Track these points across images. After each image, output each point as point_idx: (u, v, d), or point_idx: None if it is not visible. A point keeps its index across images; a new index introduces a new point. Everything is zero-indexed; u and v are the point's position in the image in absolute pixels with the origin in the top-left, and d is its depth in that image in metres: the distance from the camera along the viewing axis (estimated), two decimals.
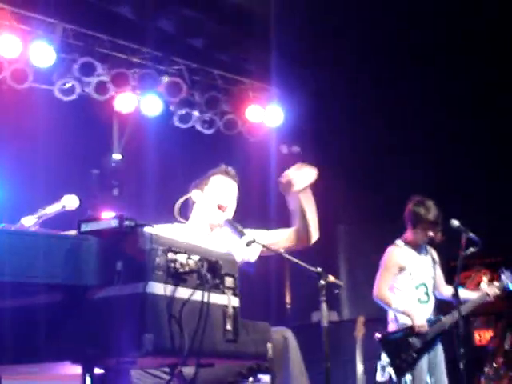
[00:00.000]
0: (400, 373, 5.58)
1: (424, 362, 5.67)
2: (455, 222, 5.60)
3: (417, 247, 5.91)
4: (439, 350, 5.80)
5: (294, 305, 8.09)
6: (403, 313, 5.74)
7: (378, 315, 7.10)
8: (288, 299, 8.31)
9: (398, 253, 5.89)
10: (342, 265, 8.43)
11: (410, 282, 5.84)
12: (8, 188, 6.74)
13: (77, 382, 2.74)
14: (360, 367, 6.24)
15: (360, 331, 6.29)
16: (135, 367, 2.99)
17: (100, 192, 7.56)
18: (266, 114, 8.25)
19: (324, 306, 3.71)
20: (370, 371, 6.07)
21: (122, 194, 7.79)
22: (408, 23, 7.30)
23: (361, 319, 6.34)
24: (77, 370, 2.57)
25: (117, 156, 7.84)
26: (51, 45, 6.90)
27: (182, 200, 3.99)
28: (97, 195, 7.43)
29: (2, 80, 6.90)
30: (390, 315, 5.91)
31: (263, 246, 3.72)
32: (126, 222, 2.43)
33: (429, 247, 5.99)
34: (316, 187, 8.22)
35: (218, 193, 3.97)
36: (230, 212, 3.95)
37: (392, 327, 5.87)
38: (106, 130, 7.74)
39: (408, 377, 5.57)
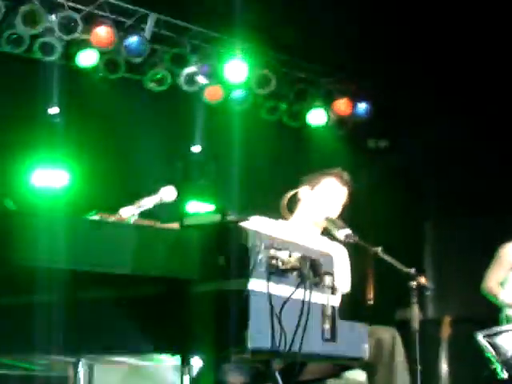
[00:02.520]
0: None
1: None
2: None
3: None
4: None
5: (378, 301, 7.98)
6: (510, 305, 5.61)
7: (464, 315, 6.95)
8: (371, 295, 8.21)
9: None
10: (429, 262, 8.28)
11: None
12: (98, 178, 6.86)
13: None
14: (444, 368, 6.12)
15: (446, 331, 6.17)
16: (232, 362, 2.98)
17: (185, 183, 7.62)
18: (354, 107, 8.18)
19: (415, 308, 3.65)
20: (455, 373, 5.96)
21: (208, 185, 7.84)
22: None
23: (447, 319, 6.21)
24: (175, 361, 2.59)
25: (197, 148, 7.87)
26: (144, 36, 6.98)
27: (289, 195, 3.93)
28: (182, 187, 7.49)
29: (95, 70, 7.03)
30: (502, 314, 5.75)
31: (359, 241, 3.67)
32: (229, 217, 2.42)
33: None
34: (402, 182, 8.13)
35: (327, 197, 3.90)
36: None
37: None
38: (194, 121, 7.78)
39: None
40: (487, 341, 5.46)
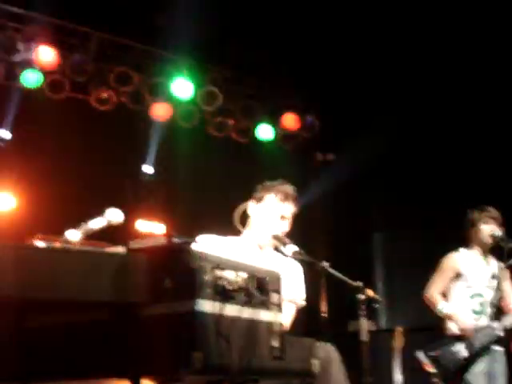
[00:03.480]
0: None
1: (478, 372, 5.52)
2: (497, 232, 5.53)
3: (480, 255, 5.80)
4: (498, 362, 5.61)
5: (331, 313, 8.03)
6: (446, 316, 5.65)
7: (416, 325, 7.02)
8: (324, 308, 8.25)
9: (457, 258, 5.80)
10: (380, 274, 8.36)
11: (465, 291, 5.73)
12: (45, 201, 6.78)
13: None
14: (398, 378, 6.17)
15: (398, 342, 6.22)
16: None
17: (134, 202, 7.56)
18: (302, 122, 8.23)
19: (363, 320, 3.69)
20: (409, 382, 6.01)
21: (157, 204, 7.80)
22: None
23: (399, 330, 6.27)
24: None
25: (148, 168, 7.84)
26: (88, 55, 6.94)
27: (240, 209, 3.92)
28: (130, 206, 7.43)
29: (40, 90, 6.96)
30: (445, 324, 5.79)
31: (306, 257, 3.69)
32: (175, 239, 2.42)
33: (494, 259, 5.86)
34: (352, 196, 8.21)
35: (270, 214, 3.87)
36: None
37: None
38: (142, 139, 7.75)
39: None
40: (428, 356, 5.54)
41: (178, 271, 2.39)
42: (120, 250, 2.57)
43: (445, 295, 5.79)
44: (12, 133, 6.93)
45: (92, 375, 2.54)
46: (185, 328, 2.35)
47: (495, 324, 5.54)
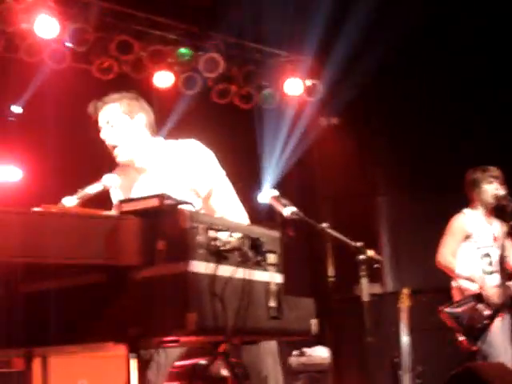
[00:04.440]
0: (474, 342, 5.48)
1: (497, 330, 5.56)
2: (501, 192, 5.52)
3: (483, 216, 5.80)
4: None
5: (337, 278, 8.05)
6: (468, 278, 5.68)
7: (422, 286, 7.04)
8: (331, 272, 8.26)
9: (464, 219, 5.81)
10: (385, 236, 8.36)
11: (475, 252, 5.75)
12: (48, 168, 6.80)
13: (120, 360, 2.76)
14: (405, 339, 6.20)
15: (405, 303, 6.24)
16: (178, 346, 2.99)
17: None
18: (304, 86, 8.18)
19: (364, 280, 3.70)
20: (416, 343, 6.03)
21: None
22: None
23: (405, 291, 6.28)
24: (120, 349, 2.58)
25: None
26: (87, 24, 6.90)
27: None
28: None
29: (41, 61, 6.94)
30: (454, 283, 5.82)
31: (304, 218, 3.69)
32: (167, 201, 2.41)
33: (498, 220, 5.86)
34: (355, 158, 8.19)
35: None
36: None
37: (456, 296, 5.78)
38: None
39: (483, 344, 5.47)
40: (449, 313, 5.55)
41: (170, 233, 2.39)
42: (113, 213, 2.57)
43: (454, 256, 5.80)
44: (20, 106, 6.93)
45: (88, 339, 2.56)
46: (178, 289, 2.35)
47: (510, 283, 5.61)
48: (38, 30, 6.72)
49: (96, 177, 3.65)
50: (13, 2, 6.56)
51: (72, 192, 3.55)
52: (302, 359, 7.16)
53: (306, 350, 7.12)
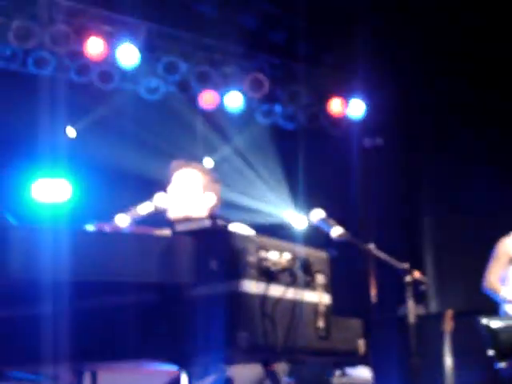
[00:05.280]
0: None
1: None
2: None
3: None
4: None
5: (380, 298, 8.04)
6: (511, 302, 5.64)
7: (466, 309, 6.99)
8: (373, 292, 8.26)
9: (509, 242, 5.78)
10: (429, 257, 8.32)
11: None
12: (96, 187, 6.92)
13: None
14: (449, 362, 6.15)
15: (448, 325, 6.20)
16: (229, 364, 3.03)
17: None
18: (348, 106, 8.21)
19: (410, 302, 3.70)
20: (460, 366, 5.99)
21: None
22: None
23: (449, 312, 6.25)
24: (172, 366, 2.64)
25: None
26: (136, 45, 7.04)
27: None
28: None
29: (89, 82, 7.09)
30: (500, 309, 5.79)
31: (351, 239, 3.71)
32: (218, 222, 2.47)
33: None
34: (400, 179, 8.17)
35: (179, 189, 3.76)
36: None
37: None
38: (190, 128, 7.82)
39: None
40: (490, 328, 5.50)
41: (222, 252, 2.44)
42: (166, 232, 2.64)
43: (502, 280, 5.78)
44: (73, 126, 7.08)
45: (139, 356, 2.62)
46: (230, 308, 2.40)
47: None
48: (88, 51, 6.88)
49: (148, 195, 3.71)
50: (63, 23, 6.72)
51: (123, 209, 3.62)
52: (344, 379, 7.14)
53: (348, 370, 7.11)
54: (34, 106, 6.70)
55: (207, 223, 2.49)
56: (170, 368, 2.75)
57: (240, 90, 7.71)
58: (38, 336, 2.66)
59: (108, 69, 7.12)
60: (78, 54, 6.94)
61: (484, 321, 5.52)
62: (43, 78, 6.84)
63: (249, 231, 3.81)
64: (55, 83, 6.90)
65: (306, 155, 7.76)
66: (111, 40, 7.02)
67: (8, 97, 6.75)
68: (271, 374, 2.78)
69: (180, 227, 2.54)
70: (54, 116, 6.90)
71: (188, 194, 3.71)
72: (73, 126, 7.12)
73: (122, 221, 3.38)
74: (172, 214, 3.64)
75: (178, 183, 3.73)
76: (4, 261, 2.35)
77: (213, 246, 2.47)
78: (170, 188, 3.73)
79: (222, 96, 7.71)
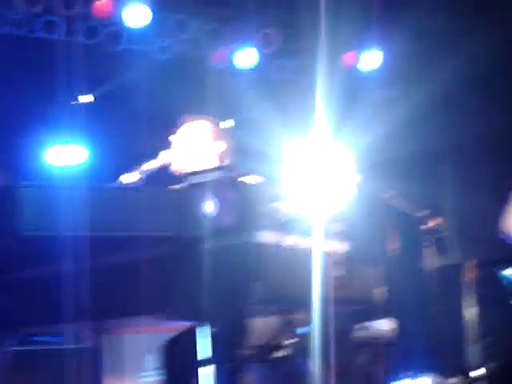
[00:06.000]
0: None
1: None
2: None
3: None
4: None
5: (401, 248, 7.98)
6: None
7: (489, 258, 6.94)
8: (393, 242, 8.20)
9: None
10: (450, 206, 8.25)
11: None
12: (103, 149, 6.93)
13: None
14: (471, 311, 6.13)
15: (469, 275, 6.16)
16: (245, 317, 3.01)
17: None
18: (362, 57, 8.10)
19: (428, 250, 3.66)
20: (482, 316, 5.97)
21: None
22: None
23: (471, 262, 6.20)
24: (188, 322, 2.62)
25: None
26: (145, 4, 6.95)
27: None
28: None
29: (98, 44, 7.03)
30: None
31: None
32: (231, 172, 2.45)
33: None
34: (418, 129, 8.06)
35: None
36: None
37: None
38: (202, 87, 7.74)
39: None
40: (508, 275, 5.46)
41: (234, 204, 2.41)
42: (177, 186, 2.61)
43: None
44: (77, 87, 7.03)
45: (157, 312, 2.61)
46: (245, 259, 2.37)
47: None
48: (95, 11, 6.81)
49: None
50: None
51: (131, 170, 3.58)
52: (366, 332, 7.11)
53: (369, 322, 7.08)
54: (46, 71, 6.66)
55: (219, 174, 2.45)
56: (187, 323, 2.74)
57: (252, 47, 7.62)
58: (57, 295, 2.66)
59: (117, 29, 7.04)
60: (86, 16, 6.86)
61: (506, 271, 5.47)
62: (55, 42, 6.78)
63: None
64: (67, 47, 6.85)
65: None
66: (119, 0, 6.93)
67: (21, 62, 6.72)
68: (289, 324, 2.76)
69: (192, 180, 2.50)
70: (68, 81, 6.87)
71: (197, 145, 3.65)
72: (87, 91, 7.08)
73: (129, 179, 3.34)
74: (181, 167, 3.60)
75: (186, 135, 3.67)
76: (19, 219, 2.34)
77: (225, 197, 2.44)
78: (177, 141, 3.67)
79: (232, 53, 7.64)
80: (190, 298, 2.50)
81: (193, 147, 3.63)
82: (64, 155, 7.15)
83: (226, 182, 2.45)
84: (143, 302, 2.60)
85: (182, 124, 3.69)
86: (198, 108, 7.72)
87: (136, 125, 7.10)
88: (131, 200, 2.47)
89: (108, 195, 2.48)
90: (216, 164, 3.49)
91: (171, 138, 3.64)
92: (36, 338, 4.46)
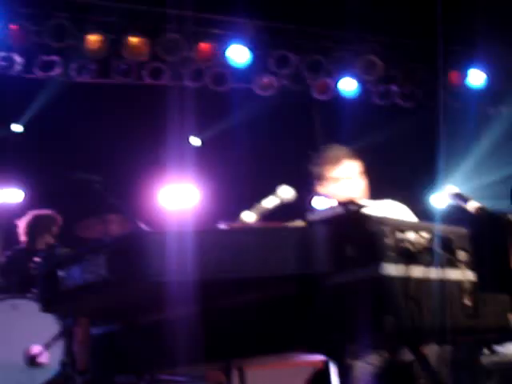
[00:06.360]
0: None
1: None
2: None
3: None
4: None
5: None
6: None
7: None
8: None
9: None
10: None
11: None
12: (221, 191, 7.02)
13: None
14: None
15: None
16: (376, 350, 2.98)
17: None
18: (467, 77, 7.96)
19: None
20: None
21: None
22: None
23: None
24: (314, 357, 2.61)
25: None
26: (245, 44, 7.08)
27: None
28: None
29: (203, 85, 7.19)
30: None
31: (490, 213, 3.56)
32: (351, 207, 2.43)
33: None
34: None
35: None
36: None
37: None
38: (307, 120, 7.77)
39: None
40: None
41: (359, 238, 2.40)
42: (298, 223, 2.61)
43: None
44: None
45: (284, 349, 2.61)
46: (372, 293, 2.35)
47: None
48: (198, 55, 6.99)
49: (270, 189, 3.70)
50: (173, 33, 6.84)
51: (248, 207, 3.62)
52: (495, 357, 6.88)
53: (497, 347, 6.85)
54: (156, 115, 6.86)
55: (340, 209, 2.44)
56: (317, 358, 2.73)
57: (354, 75, 7.62)
58: (185, 337, 2.70)
59: (220, 70, 7.19)
60: (190, 60, 7.05)
61: None
62: (162, 88, 6.99)
63: (400, 207, 3.74)
64: (174, 91, 7.04)
65: (429, 131, 7.57)
66: (221, 42, 7.09)
67: (132, 109, 6.95)
68: (421, 358, 2.70)
69: (312, 216, 2.51)
70: (177, 124, 7.04)
71: (350, 185, 3.74)
72: (196, 133, 7.24)
73: (249, 217, 3.37)
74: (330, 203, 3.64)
75: (341, 175, 3.75)
76: (143, 266, 2.39)
77: (348, 231, 2.42)
78: (330, 180, 3.76)
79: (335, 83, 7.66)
80: (319, 333, 2.49)
81: (346, 186, 3.72)
82: (177, 197, 7.29)
83: (348, 217, 2.44)
84: (271, 340, 2.61)
85: (333, 162, 3.75)
86: (306, 141, 7.81)
87: (248, 162, 7.20)
88: (250, 241, 2.49)
89: (223, 237, 2.51)
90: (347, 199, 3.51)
91: (332, 172, 3.71)
92: (163, 378, 4.53)
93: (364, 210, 2.44)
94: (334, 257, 2.44)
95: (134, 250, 2.39)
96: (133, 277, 2.38)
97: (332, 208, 2.51)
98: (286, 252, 2.45)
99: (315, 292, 2.48)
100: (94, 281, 2.53)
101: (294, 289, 2.52)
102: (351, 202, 2.45)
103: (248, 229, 2.73)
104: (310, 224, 2.51)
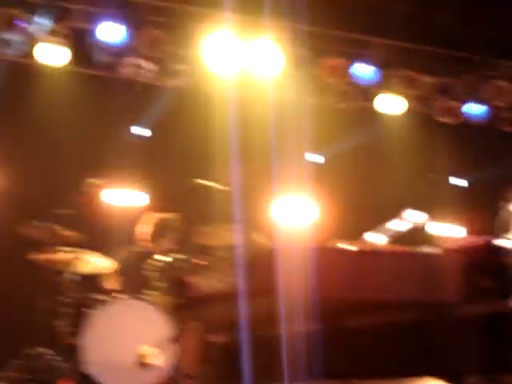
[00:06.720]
0: None
1: None
2: None
3: None
4: None
5: None
6: None
7: None
8: None
9: None
10: None
11: None
12: (343, 206, 6.96)
13: None
14: None
15: None
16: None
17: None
18: None
19: None
20: None
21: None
22: None
23: None
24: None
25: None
26: (370, 61, 7.06)
27: None
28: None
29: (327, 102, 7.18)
30: None
31: None
32: (491, 239, 2.38)
33: None
34: None
35: None
36: None
37: None
38: (429, 145, 7.63)
39: None
40: None
41: (496, 270, 2.33)
42: (431, 249, 2.57)
43: None
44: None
45: (405, 373, 2.57)
46: (506, 326, 2.28)
47: None
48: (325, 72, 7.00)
49: (392, 212, 3.63)
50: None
51: (368, 227, 3.57)
52: None
53: None
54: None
55: (478, 240, 2.39)
56: None
57: (481, 100, 7.44)
58: (305, 353, 2.69)
59: (346, 88, 7.17)
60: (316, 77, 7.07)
61: None
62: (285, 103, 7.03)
63: None
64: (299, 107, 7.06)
65: None
66: (349, 59, 7.08)
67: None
68: None
69: (449, 244, 2.46)
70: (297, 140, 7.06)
71: None
72: (316, 150, 7.23)
73: (374, 238, 3.32)
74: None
75: None
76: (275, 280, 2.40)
77: (486, 263, 2.36)
78: None
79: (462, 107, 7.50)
80: (444, 362, 2.44)
81: None
82: (292, 211, 7.27)
83: (487, 248, 2.38)
84: (390, 363, 2.58)
85: None
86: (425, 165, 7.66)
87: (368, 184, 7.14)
88: (381, 263, 2.47)
89: (361, 258, 2.50)
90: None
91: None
92: None
93: (503, 243, 2.38)
94: (465, 287, 2.39)
95: (270, 263, 2.41)
96: (268, 289, 2.40)
97: (468, 238, 2.46)
98: (413, 277, 2.41)
99: (442, 320, 2.43)
100: (223, 290, 2.56)
101: (419, 315, 2.48)
102: (492, 236, 2.39)
103: (378, 251, 2.69)
104: (446, 251, 2.46)
